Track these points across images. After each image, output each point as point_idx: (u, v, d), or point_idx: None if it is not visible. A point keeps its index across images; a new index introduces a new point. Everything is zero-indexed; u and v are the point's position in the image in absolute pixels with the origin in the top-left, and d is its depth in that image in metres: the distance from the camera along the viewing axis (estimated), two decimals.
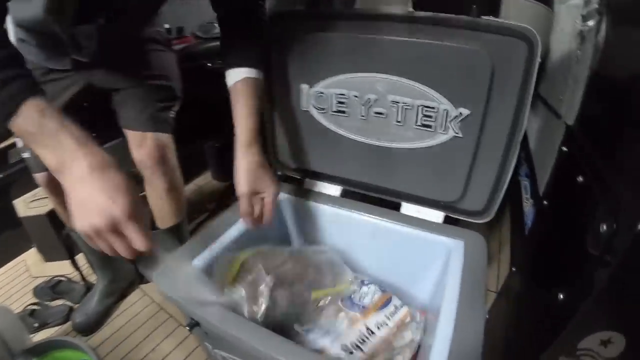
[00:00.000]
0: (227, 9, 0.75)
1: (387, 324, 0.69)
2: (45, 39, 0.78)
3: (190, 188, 1.79)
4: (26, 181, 1.24)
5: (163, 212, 0.99)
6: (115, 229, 0.48)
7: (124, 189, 0.48)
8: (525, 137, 0.69)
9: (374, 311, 0.71)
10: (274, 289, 0.66)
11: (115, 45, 0.80)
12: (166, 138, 0.93)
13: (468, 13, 0.65)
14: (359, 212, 0.83)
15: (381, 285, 0.80)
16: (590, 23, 0.65)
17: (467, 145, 0.72)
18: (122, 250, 0.49)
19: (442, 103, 0.71)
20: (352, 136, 0.83)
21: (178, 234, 1.04)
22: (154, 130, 0.90)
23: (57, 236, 1.30)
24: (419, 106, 0.73)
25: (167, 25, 1.59)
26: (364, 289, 0.78)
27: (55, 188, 0.92)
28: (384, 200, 0.88)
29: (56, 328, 1.15)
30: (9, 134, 1.28)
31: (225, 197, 1.68)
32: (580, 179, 0.55)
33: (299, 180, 0.96)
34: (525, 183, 1.00)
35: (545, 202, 0.75)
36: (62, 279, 1.30)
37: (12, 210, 1.32)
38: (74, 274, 1.29)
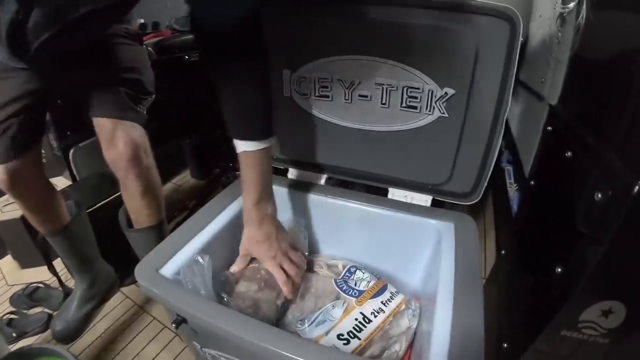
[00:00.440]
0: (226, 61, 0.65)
1: (383, 311, 0.68)
2: None
3: (168, 187, 1.76)
4: None
5: (140, 215, 0.94)
6: None
7: None
8: (506, 124, 0.70)
9: (370, 298, 0.70)
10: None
11: (69, 51, 0.74)
12: (138, 135, 0.87)
13: None
14: (346, 200, 0.82)
15: (373, 273, 0.78)
16: (571, 5, 0.66)
17: (453, 124, 0.72)
18: None
19: (427, 83, 0.70)
20: (337, 121, 0.82)
21: (158, 234, 1.00)
22: (122, 118, 0.84)
23: (33, 241, 1.23)
24: (403, 87, 0.72)
25: (141, 20, 1.55)
26: (359, 273, 0.76)
27: (20, 189, 0.85)
28: (370, 188, 0.87)
29: (36, 337, 1.10)
30: None
31: (205, 195, 1.66)
32: (569, 154, 0.56)
33: (283, 170, 0.94)
34: (508, 169, 1.01)
35: (532, 183, 0.76)
36: (40, 285, 1.25)
37: None
38: (51, 280, 1.23)
